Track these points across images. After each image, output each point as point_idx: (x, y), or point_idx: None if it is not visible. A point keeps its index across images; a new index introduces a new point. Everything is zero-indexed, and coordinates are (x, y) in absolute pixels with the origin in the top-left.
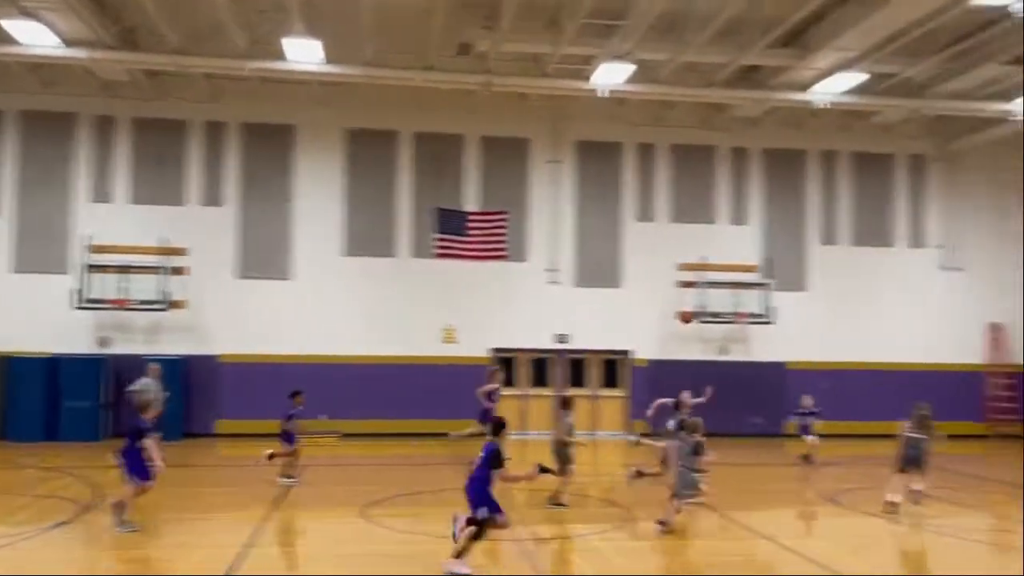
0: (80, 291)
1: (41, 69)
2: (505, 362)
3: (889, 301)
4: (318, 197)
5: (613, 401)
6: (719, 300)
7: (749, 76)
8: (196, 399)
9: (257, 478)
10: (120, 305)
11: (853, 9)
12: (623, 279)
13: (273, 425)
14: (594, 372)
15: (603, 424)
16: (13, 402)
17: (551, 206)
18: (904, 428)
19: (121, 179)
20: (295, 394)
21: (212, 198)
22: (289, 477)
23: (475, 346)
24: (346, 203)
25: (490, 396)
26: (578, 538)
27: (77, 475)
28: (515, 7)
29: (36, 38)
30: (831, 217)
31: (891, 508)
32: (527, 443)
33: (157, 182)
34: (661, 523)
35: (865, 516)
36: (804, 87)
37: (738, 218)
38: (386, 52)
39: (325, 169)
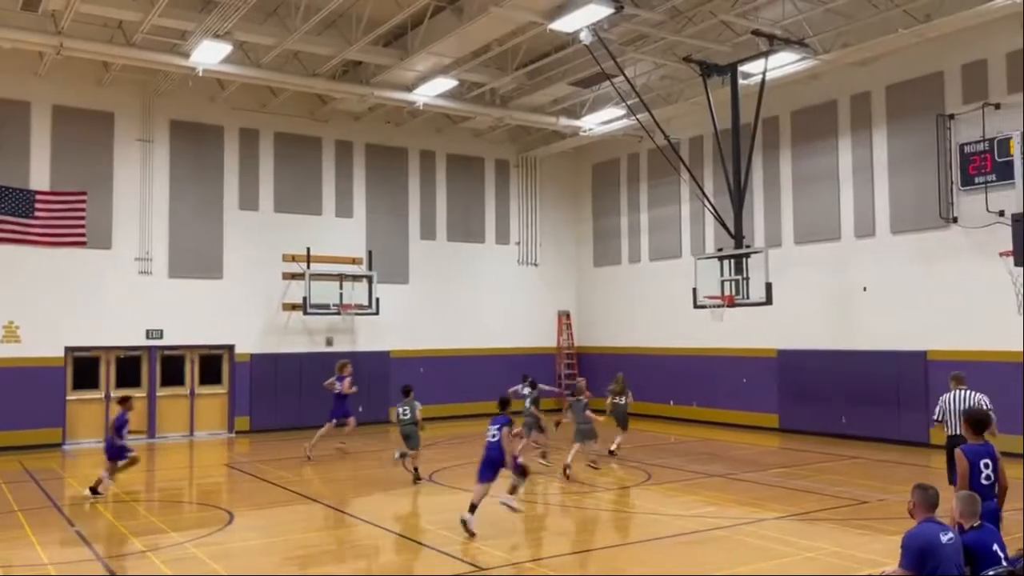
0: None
1: None
2: (88, 362)
3: (479, 293)
4: None
5: (213, 399)
6: (324, 292)
7: (353, 71)
8: None
9: None
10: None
11: (447, 19)
12: (224, 270)
13: None
14: (192, 369)
15: (203, 423)
16: None
17: (141, 189)
18: (610, 396)
19: None
20: None
21: None
22: None
23: (45, 345)
24: None
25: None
26: (174, 547)
27: None
28: None
29: None
30: (429, 213)
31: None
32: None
33: None
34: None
35: (458, 492)
36: (405, 87)
37: (343, 210)
38: None
39: None
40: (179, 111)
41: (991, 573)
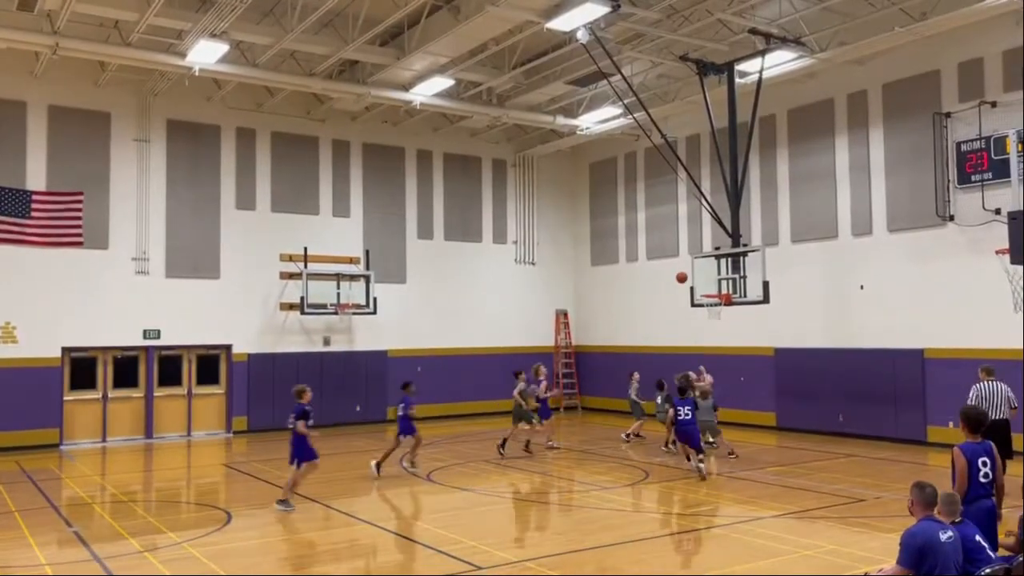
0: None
1: None
2: (85, 362)
3: (476, 292)
4: None
5: (211, 399)
6: (322, 291)
7: (350, 70)
8: None
9: None
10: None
11: (444, 18)
12: (221, 270)
13: None
14: (189, 369)
15: (200, 423)
16: None
17: (138, 189)
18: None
19: None
20: None
21: None
22: None
23: (42, 345)
24: None
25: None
26: (172, 547)
27: None
28: None
29: None
30: (426, 213)
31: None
32: (107, 451)
33: None
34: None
35: (457, 491)
36: (401, 86)
37: (341, 210)
38: None
39: None
40: (175, 111)
41: (987, 571)
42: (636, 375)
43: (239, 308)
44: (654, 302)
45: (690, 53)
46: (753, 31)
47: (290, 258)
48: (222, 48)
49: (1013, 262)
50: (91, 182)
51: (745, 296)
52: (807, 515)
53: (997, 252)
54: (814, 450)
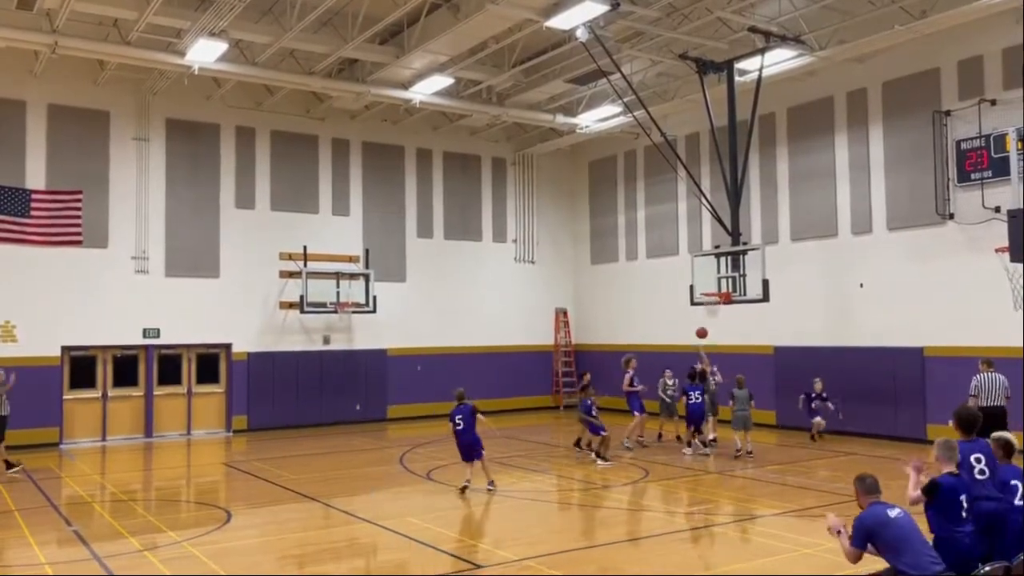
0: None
1: None
2: (85, 361)
3: (476, 291)
4: None
5: (210, 397)
6: (321, 290)
7: (349, 69)
8: None
9: None
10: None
11: (444, 16)
12: (221, 268)
13: None
14: (189, 367)
15: (200, 422)
16: None
17: (137, 188)
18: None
19: None
20: None
21: None
22: None
23: (42, 344)
24: None
25: (632, 383)
26: (171, 546)
27: None
28: None
29: None
30: (426, 211)
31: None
32: (107, 450)
33: None
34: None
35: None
36: (401, 85)
37: (340, 209)
38: None
39: None
40: (175, 110)
41: (987, 569)
42: (668, 372)
43: (239, 307)
44: (654, 301)
45: (690, 51)
46: (753, 29)
47: (290, 257)
48: (221, 47)
49: (1013, 260)
50: (90, 181)
51: (745, 294)
52: (807, 513)
53: (997, 250)
54: (813, 449)
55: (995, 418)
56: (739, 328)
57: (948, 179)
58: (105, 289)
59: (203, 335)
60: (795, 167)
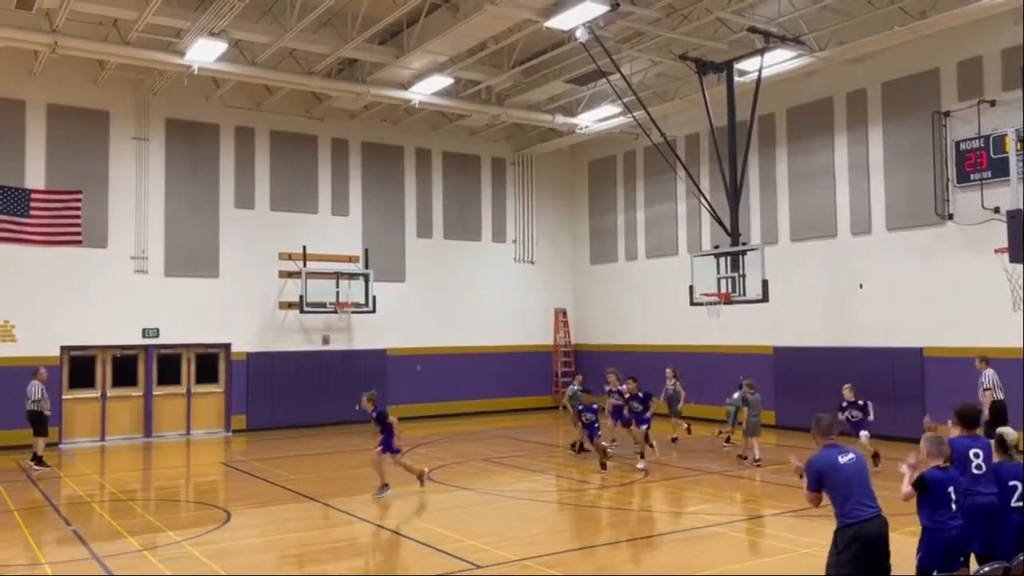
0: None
1: None
2: (84, 361)
3: (475, 291)
4: None
5: (210, 397)
6: (321, 290)
7: (349, 69)
8: None
9: None
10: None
11: (443, 16)
12: (220, 268)
13: None
14: (189, 367)
15: (199, 422)
16: None
17: (137, 188)
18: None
19: None
20: None
21: None
22: None
23: (41, 344)
24: None
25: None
26: (171, 545)
27: None
28: None
29: None
30: (425, 211)
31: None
32: (106, 449)
33: None
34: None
35: (456, 490)
36: (400, 85)
37: (340, 209)
38: None
39: None
40: (174, 109)
41: (987, 569)
42: (669, 372)
43: (238, 307)
44: (653, 301)
45: (689, 52)
46: (752, 30)
47: (289, 257)
48: (221, 47)
49: (1012, 260)
50: (90, 181)
51: (744, 295)
52: (806, 513)
53: (996, 251)
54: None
55: (1001, 411)
56: (739, 328)
57: (947, 180)
58: (104, 289)
59: (202, 335)
60: (795, 167)
